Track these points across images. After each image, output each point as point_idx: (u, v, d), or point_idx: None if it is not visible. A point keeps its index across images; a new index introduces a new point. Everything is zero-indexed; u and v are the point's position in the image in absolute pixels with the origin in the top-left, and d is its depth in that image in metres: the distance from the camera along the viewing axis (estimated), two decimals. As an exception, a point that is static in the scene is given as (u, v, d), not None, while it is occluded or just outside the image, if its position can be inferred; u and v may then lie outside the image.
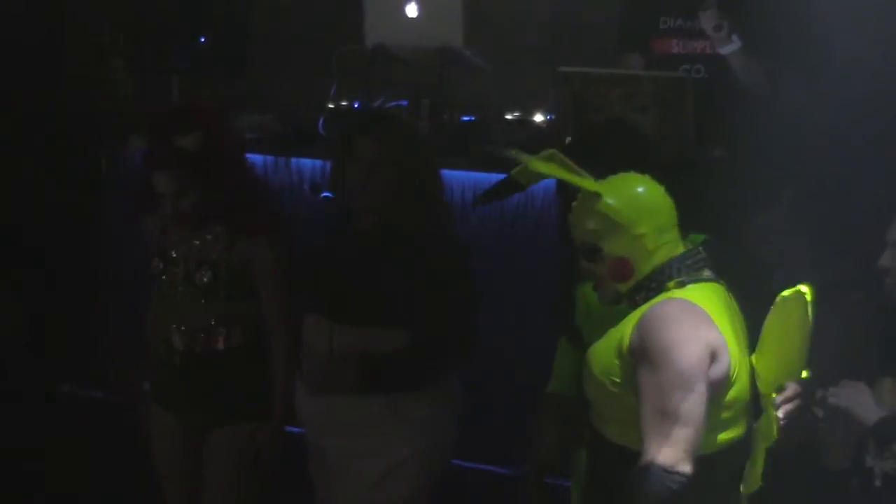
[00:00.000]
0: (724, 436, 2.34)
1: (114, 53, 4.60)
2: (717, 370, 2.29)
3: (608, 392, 2.39)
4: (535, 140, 3.88)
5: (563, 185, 2.93)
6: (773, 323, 2.35)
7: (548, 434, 2.90)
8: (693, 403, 2.27)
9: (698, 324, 2.31)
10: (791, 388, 2.31)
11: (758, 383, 2.36)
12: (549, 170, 2.42)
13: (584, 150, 2.93)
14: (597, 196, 2.37)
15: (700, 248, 2.43)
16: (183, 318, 3.25)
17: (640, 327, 2.34)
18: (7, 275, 4.63)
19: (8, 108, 4.58)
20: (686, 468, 2.25)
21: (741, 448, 2.35)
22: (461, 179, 3.91)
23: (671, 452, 2.26)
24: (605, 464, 2.46)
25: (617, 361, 2.38)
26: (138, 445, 3.39)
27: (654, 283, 2.39)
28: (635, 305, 2.40)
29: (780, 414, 2.30)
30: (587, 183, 2.39)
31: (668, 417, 2.27)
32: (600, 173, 2.65)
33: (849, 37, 3.64)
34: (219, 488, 3.33)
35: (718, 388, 2.30)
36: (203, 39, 4.58)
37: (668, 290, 2.37)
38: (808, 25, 3.73)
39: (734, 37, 3.73)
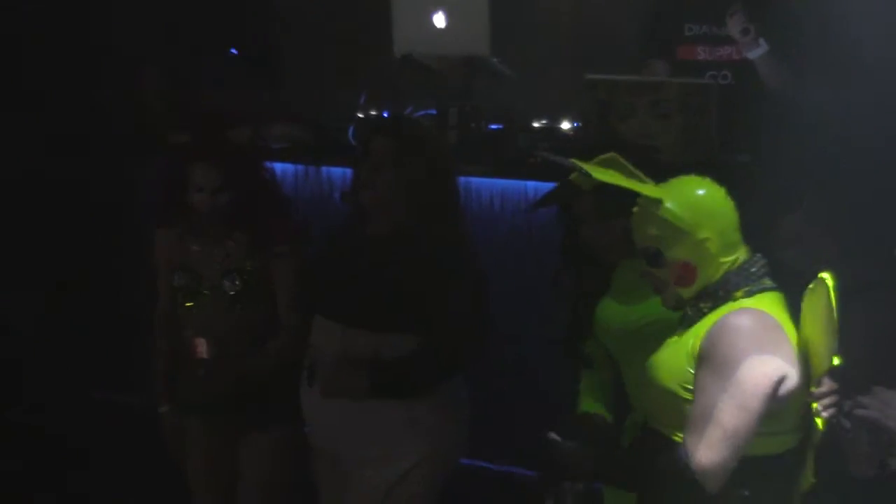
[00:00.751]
0: (794, 437, 2.37)
1: (148, 69, 4.63)
2: (788, 385, 2.30)
3: (681, 399, 2.41)
4: (562, 148, 3.88)
5: (564, 211, 2.95)
6: (803, 317, 2.35)
7: (586, 454, 2.91)
8: (745, 424, 2.28)
9: (774, 342, 2.32)
10: (826, 384, 2.32)
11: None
12: (607, 177, 2.43)
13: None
14: (657, 201, 2.38)
15: (760, 254, 2.43)
16: (208, 327, 3.29)
17: (714, 334, 2.34)
18: (45, 285, 4.69)
19: (49, 118, 4.62)
20: (714, 485, 2.27)
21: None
22: (489, 186, 3.97)
23: (708, 457, 2.28)
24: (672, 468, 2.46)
25: (690, 369, 2.39)
26: (168, 449, 3.44)
27: (721, 292, 2.40)
28: (700, 313, 2.41)
29: (819, 408, 2.31)
30: (647, 189, 2.40)
31: (718, 426, 2.28)
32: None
33: (876, 37, 3.65)
34: (254, 491, 3.40)
35: (791, 399, 2.31)
36: (234, 51, 4.61)
37: (735, 299, 2.38)
38: (835, 27, 3.74)
39: (761, 41, 3.76)
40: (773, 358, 2.30)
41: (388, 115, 4.20)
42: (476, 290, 3.03)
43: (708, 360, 2.33)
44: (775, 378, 2.29)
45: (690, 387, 2.37)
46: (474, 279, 3.04)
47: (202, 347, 3.31)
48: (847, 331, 2.52)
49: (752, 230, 2.80)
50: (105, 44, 4.70)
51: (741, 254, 2.41)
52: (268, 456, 3.36)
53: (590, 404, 2.95)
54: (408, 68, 4.20)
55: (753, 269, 2.41)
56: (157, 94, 4.55)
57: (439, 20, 4.12)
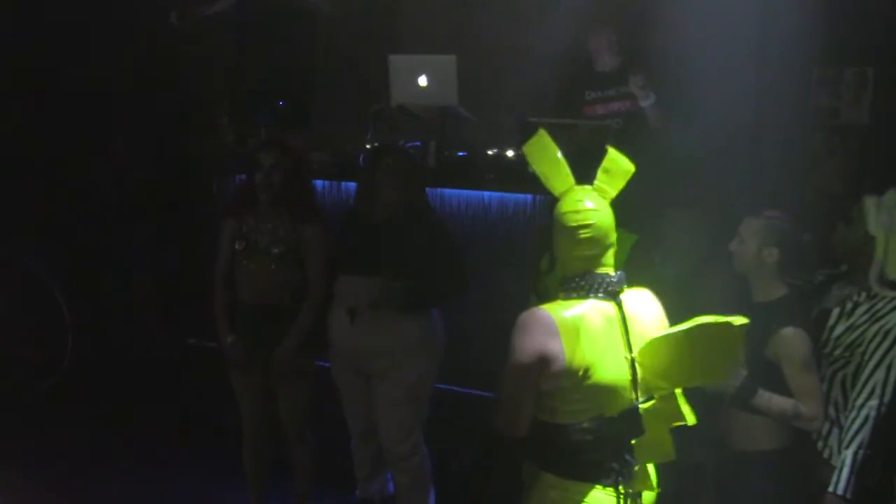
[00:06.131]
0: (581, 415, 2.53)
1: (222, 112, 5.25)
2: (553, 367, 2.46)
3: None
4: (507, 170, 4.55)
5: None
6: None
7: None
8: (514, 385, 2.51)
9: (542, 333, 2.49)
10: None
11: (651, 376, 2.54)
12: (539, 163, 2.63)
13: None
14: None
15: (581, 276, 2.57)
16: (257, 281, 3.74)
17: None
18: (148, 265, 5.44)
19: (150, 151, 5.37)
20: (511, 433, 2.49)
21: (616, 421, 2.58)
22: (457, 195, 4.52)
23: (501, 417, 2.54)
24: None
25: None
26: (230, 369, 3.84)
27: (564, 289, 2.63)
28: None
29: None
30: (558, 187, 2.64)
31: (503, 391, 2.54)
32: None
33: (711, 87, 4.30)
34: (287, 399, 3.91)
35: (560, 378, 2.48)
36: (282, 103, 5.15)
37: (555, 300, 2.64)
38: (686, 88, 4.41)
39: (651, 93, 4.46)
40: (534, 340, 2.45)
41: (387, 145, 4.41)
42: (453, 251, 3.73)
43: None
44: (531, 356, 2.45)
45: None
46: (450, 245, 3.74)
47: (250, 295, 3.72)
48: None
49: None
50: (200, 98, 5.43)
51: (584, 269, 2.59)
52: (298, 371, 3.82)
53: None
54: (401, 114, 4.72)
55: (573, 285, 2.59)
56: (229, 130, 5.23)
57: (423, 81, 4.67)
